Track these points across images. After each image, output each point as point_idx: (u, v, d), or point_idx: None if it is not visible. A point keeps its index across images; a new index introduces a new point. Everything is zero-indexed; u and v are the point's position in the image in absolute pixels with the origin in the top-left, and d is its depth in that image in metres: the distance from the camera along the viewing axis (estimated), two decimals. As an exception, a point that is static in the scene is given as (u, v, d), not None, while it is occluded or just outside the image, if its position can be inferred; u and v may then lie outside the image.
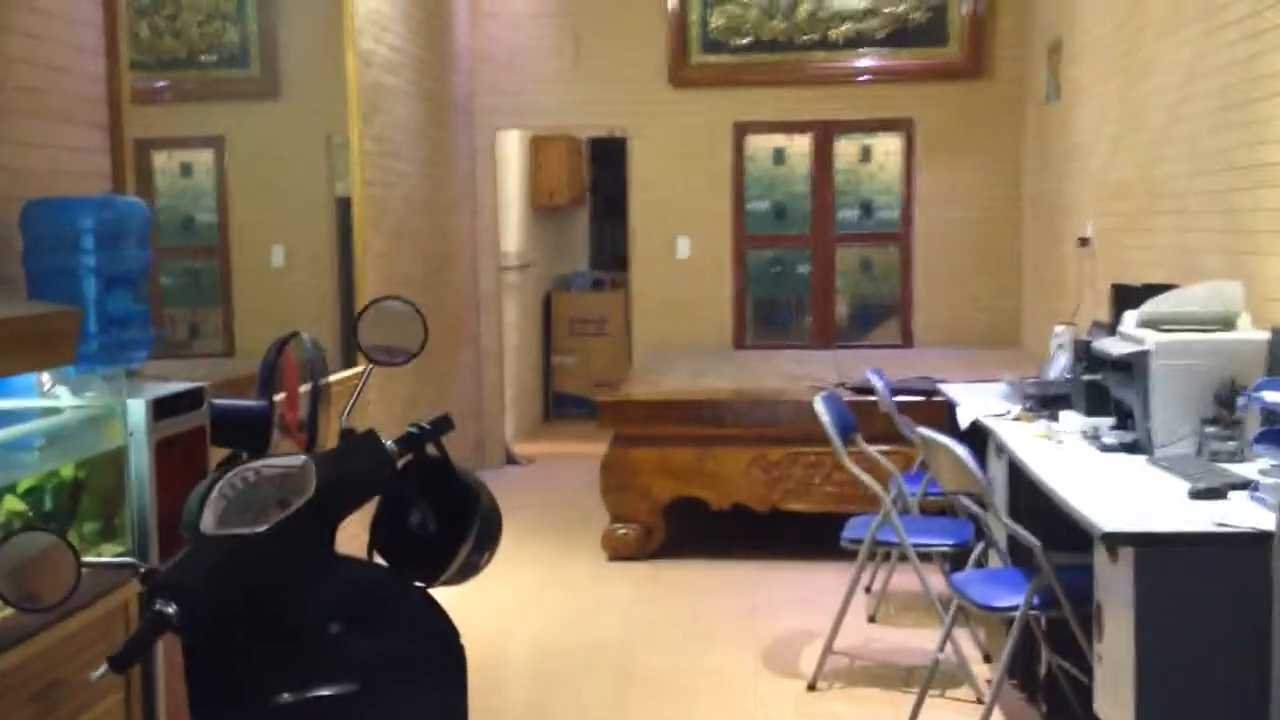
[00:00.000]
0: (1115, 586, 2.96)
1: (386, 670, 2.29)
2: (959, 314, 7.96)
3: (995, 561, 4.09)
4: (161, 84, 5.47)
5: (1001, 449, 4.22)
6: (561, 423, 9.99)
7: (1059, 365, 5.62)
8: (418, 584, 2.37)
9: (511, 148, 9.28)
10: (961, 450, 3.43)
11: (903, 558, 4.41)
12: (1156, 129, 5.07)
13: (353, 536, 2.31)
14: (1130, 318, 3.92)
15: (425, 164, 6.97)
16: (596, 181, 10.85)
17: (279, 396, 2.99)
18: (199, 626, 2.09)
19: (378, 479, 2.36)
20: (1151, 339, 3.61)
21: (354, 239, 5.86)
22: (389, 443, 2.38)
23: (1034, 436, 3.99)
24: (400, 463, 2.41)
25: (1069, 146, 6.58)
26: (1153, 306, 3.82)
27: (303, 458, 2.30)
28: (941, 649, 3.82)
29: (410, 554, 2.38)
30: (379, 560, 2.38)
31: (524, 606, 5.27)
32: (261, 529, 2.18)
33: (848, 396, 5.72)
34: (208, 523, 2.19)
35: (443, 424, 2.43)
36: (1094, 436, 3.83)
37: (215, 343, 5.83)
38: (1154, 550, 2.79)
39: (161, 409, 3.11)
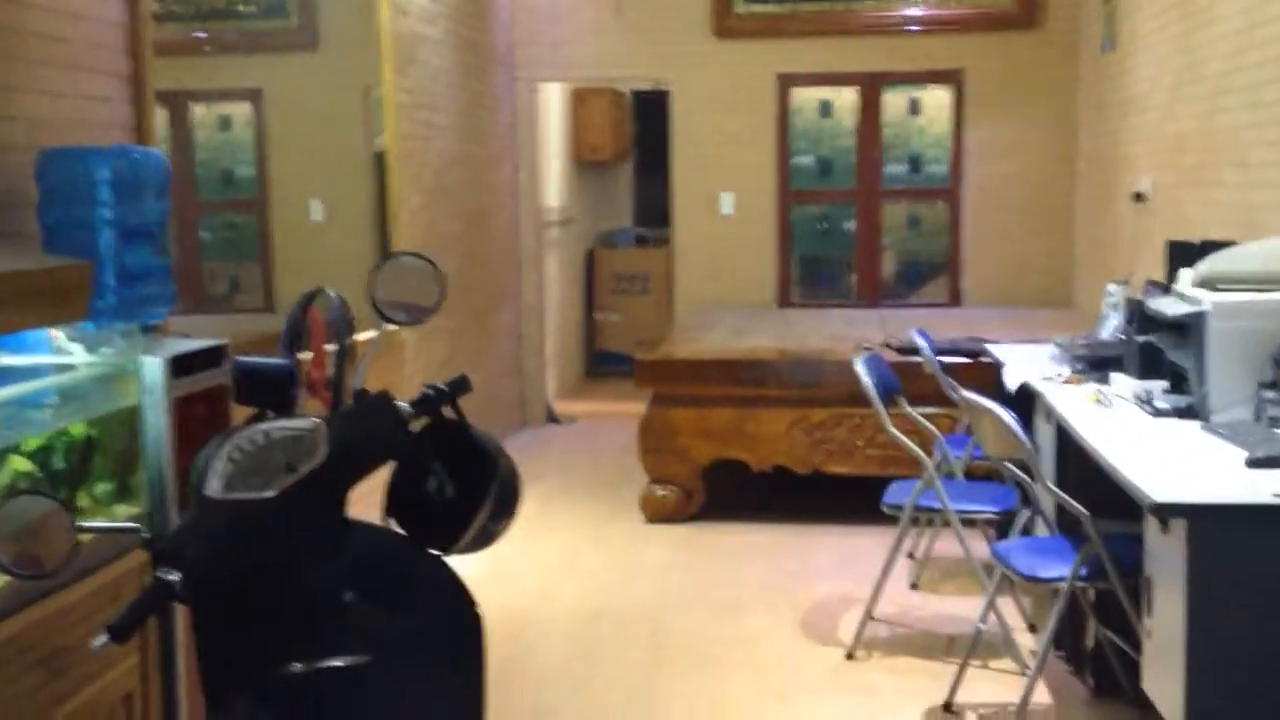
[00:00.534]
0: (1166, 559, 2.83)
1: (401, 641, 2.20)
2: (1010, 272, 7.76)
3: (1041, 530, 3.96)
4: (199, 35, 5.42)
5: (1050, 413, 4.08)
6: (604, 381, 9.90)
7: (1111, 325, 5.44)
8: (433, 552, 2.29)
9: (553, 100, 9.14)
10: (1007, 415, 3.29)
11: (946, 523, 4.28)
12: (1216, 78, 4.86)
13: (365, 498, 2.22)
14: (1186, 276, 3.75)
15: (463, 116, 6.86)
16: (640, 135, 10.69)
17: (305, 354, 2.90)
18: (204, 595, 2.02)
19: (392, 443, 2.27)
20: (1208, 299, 3.45)
21: (389, 194, 5.76)
22: (404, 405, 2.29)
23: (1084, 401, 3.83)
24: (416, 426, 2.32)
25: (1125, 98, 6.35)
26: (1209, 265, 3.66)
27: (314, 420, 2.22)
28: (984, 619, 3.70)
29: (426, 521, 2.29)
30: (394, 527, 2.30)
31: (561, 569, 5.19)
32: (269, 494, 2.10)
33: (892, 357, 5.59)
34: (213, 487, 2.11)
35: (460, 385, 2.33)
36: (1146, 401, 3.67)
37: (254, 298, 5.80)
38: (1207, 522, 2.66)
39: (179, 366, 3.04)
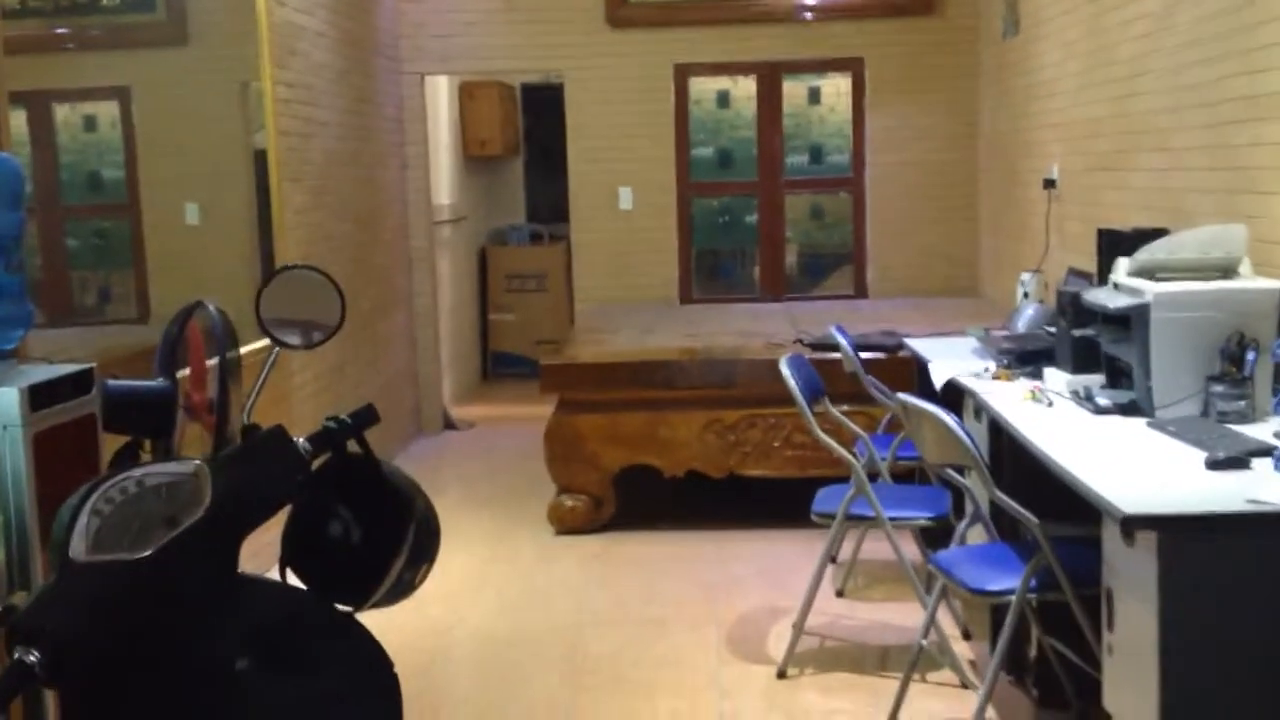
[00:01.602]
0: (1130, 571, 2.65)
1: (306, 714, 1.92)
2: (915, 262, 7.64)
3: (977, 535, 3.78)
4: (61, 31, 5.10)
5: (981, 411, 3.90)
6: (501, 383, 9.60)
7: (1028, 316, 5.32)
8: (342, 608, 2.00)
9: (441, 95, 8.80)
10: (951, 420, 3.10)
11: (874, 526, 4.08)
12: (1131, 61, 4.74)
13: (259, 553, 1.92)
14: (1122, 266, 3.59)
15: (347, 112, 6.50)
16: (531, 129, 10.39)
17: (184, 373, 2.59)
18: (70, 676, 1.71)
19: (289, 485, 1.97)
20: (1150, 290, 3.29)
21: (270, 195, 5.40)
22: (301, 441, 1.99)
23: (1020, 399, 3.66)
24: (316, 464, 2.03)
25: (1029, 84, 6.25)
26: (1147, 254, 3.50)
27: (195, 462, 1.91)
28: (925, 635, 3.50)
29: (332, 572, 2.00)
30: (294, 581, 2.00)
31: (467, 591, 4.89)
32: (143, 554, 1.80)
33: (807, 355, 5.40)
34: (77, 548, 1.80)
35: (366, 417, 2.04)
36: (1086, 397, 3.51)
37: (127, 308, 5.47)
38: (1179, 533, 2.48)
39: (40, 396, 2.69)
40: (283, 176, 5.49)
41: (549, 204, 9.95)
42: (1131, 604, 2.66)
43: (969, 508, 3.68)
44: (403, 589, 2.01)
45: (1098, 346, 3.64)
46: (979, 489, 3.43)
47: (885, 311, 6.90)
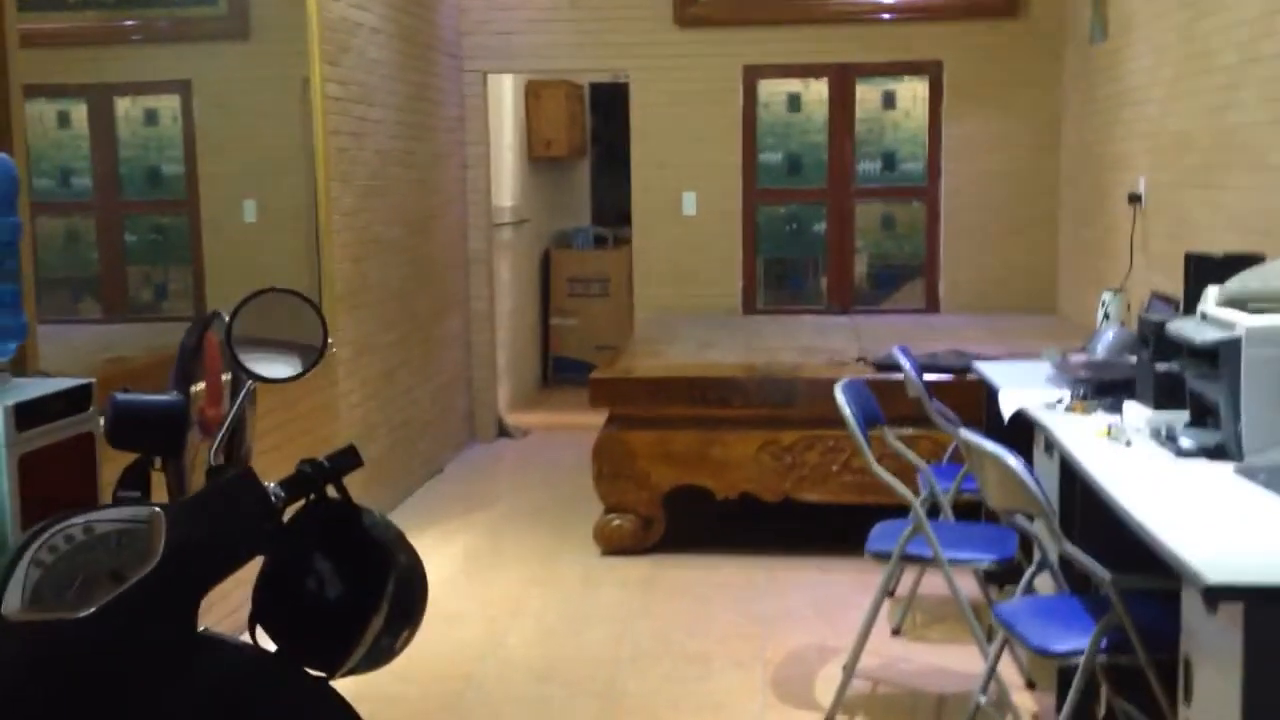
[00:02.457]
0: (1212, 642, 2.37)
1: (267, 791, 1.72)
2: (990, 277, 7.32)
3: (1044, 582, 3.49)
4: (122, 23, 5.05)
5: (1052, 447, 3.62)
6: (561, 389, 9.40)
7: (1107, 339, 5.00)
8: (313, 673, 1.79)
9: (506, 94, 8.62)
10: (1018, 464, 2.82)
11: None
12: (1228, 70, 4.41)
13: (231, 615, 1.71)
14: (1211, 295, 3.29)
15: (403, 110, 6.33)
16: (599, 130, 10.19)
17: (199, 387, 2.41)
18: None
19: (256, 536, 1.76)
20: (1241, 323, 2.99)
21: (318, 196, 5.24)
22: (272, 486, 1.79)
23: (1094, 435, 3.37)
24: (290, 512, 1.83)
25: (1117, 92, 5.91)
26: (1239, 283, 3.20)
27: (151, 509, 1.71)
28: (985, 690, 3.22)
29: (305, 632, 1.80)
30: (263, 641, 1.80)
31: (507, 613, 4.68)
32: (85, 612, 1.61)
33: (869, 375, 5.13)
34: (12, 603, 1.61)
35: (347, 459, 1.83)
36: (1169, 437, 3.21)
37: (183, 304, 5.40)
38: (1269, 606, 2.19)
39: (28, 414, 2.52)
40: (331, 177, 5.33)
41: (615, 206, 9.74)
42: (1212, 676, 2.38)
43: (1036, 553, 3.40)
44: (381, 654, 1.79)
45: (1182, 381, 3.35)
46: (1047, 536, 3.16)
47: (956, 328, 6.59)
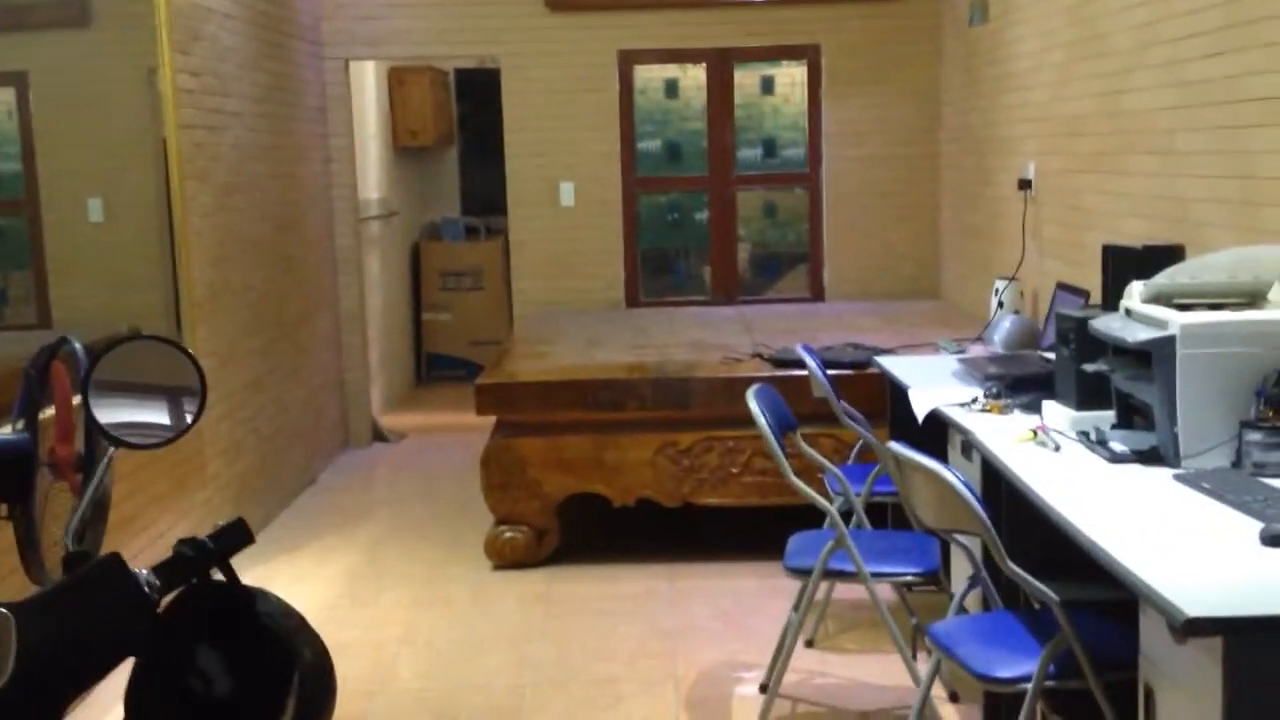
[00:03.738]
0: (1180, 671, 2.22)
1: None
2: (873, 264, 7.22)
3: (973, 598, 3.35)
4: None
5: (971, 449, 3.48)
6: (436, 386, 9.07)
7: (1005, 328, 4.93)
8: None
9: (368, 81, 8.23)
10: (959, 483, 2.64)
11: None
12: (1124, 54, 4.32)
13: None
14: (1136, 290, 3.17)
15: (262, 101, 5.94)
16: (466, 116, 9.84)
17: (48, 412, 2.12)
18: None
19: (128, 633, 1.47)
20: (1175, 321, 2.86)
21: (171, 194, 4.85)
22: (143, 573, 1.49)
23: (1019, 440, 3.22)
24: (166, 602, 1.53)
25: (1000, 75, 5.82)
26: (1168, 278, 3.08)
27: (-2, 611, 1.41)
28: (920, 717, 3.05)
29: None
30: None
31: (394, 641, 4.38)
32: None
33: (767, 372, 4.95)
34: None
35: (234, 536, 1.54)
36: (1099, 441, 3.08)
37: (26, 311, 5.02)
38: (1251, 639, 2.05)
39: None
40: (185, 174, 4.94)
41: (485, 196, 9.43)
42: (1183, 707, 2.23)
43: (962, 565, 3.24)
44: (287, 765, 1.51)
45: (1107, 381, 3.22)
46: (979, 550, 3.00)
47: (845, 316, 6.47)
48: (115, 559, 1.47)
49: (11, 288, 5.05)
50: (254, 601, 1.53)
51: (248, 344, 5.62)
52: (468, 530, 5.33)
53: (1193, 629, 2.04)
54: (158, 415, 1.68)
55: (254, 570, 5.09)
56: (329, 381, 7.02)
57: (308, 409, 6.55)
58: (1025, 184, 5.38)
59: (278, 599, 1.54)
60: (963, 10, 6.46)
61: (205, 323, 5.11)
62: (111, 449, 1.64)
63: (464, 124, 9.89)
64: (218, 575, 1.52)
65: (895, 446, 2.87)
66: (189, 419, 1.66)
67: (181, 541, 1.50)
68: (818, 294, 7.29)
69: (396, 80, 8.84)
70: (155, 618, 1.47)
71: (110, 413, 1.62)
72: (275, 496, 5.95)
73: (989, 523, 2.63)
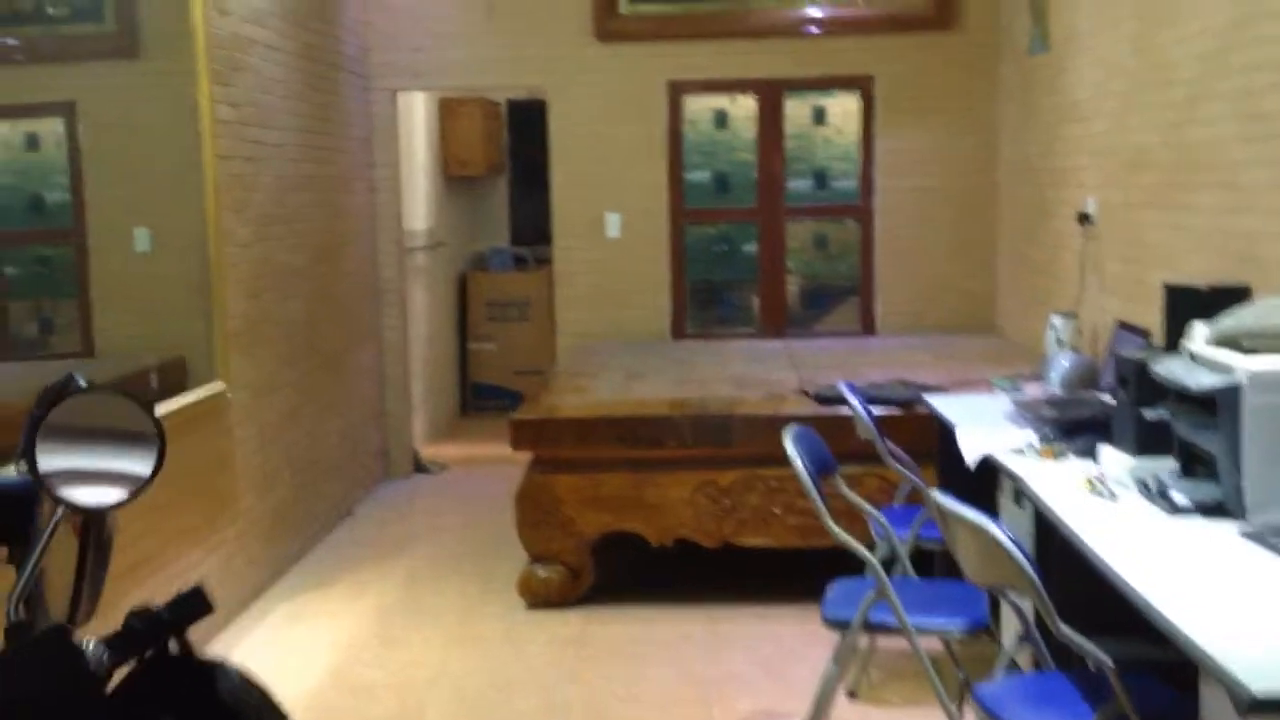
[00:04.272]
0: (1246, 750, 2.03)
1: None
2: (926, 296, 7.03)
3: (1024, 655, 3.16)
4: (4, 41, 4.67)
5: (1023, 496, 3.30)
6: (480, 417, 8.97)
7: (1062, 367, 4.72)
8: None
9: (418, 112, 8.19)
10: (1006, 540, 2.47)
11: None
12: (1190, 83, 4.13)
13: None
14: (1199, 332, 2.98)
15: (305, 132, 5.88)
16: (517, 146, 9.78)
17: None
18: None
19: (72, 712, 1.35)
20: (1243, 367, 2.68)
21: (208, 227, 4.79)
22: (91, 646, 1.37)
23: (1076, 488, 3.04)
24: (117, 676, 1.41)
25: (1060, 105, 5.64)
26: (1234, 321, 2.89)
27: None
28: (965, 783, 2.87)
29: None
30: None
31: (421, 683, 4.25)
32: None
33: (810, 409, 4.79)
34: None
35: (191, 605, 1.41)
36: (1159, 492, 2.89)
37: (71, 340, 4.99)
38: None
39: None
40: (223, 206, 4.88)
41: (534, 225, 9.34)
42: (1246, 791, 2.04)
43: (1013, 621, 3.06)
44: None
45: (1169, 427, 3.04)
46: (1030, 607, 2.82)
47: (896, 352, 6.29)
48: (58, 631, 1.35)
49: (57, 316, 5.03)
50: (213, 677, 1.40)
51: (285, 375, 5.55)
52: (504, 566, 5.21)
53: (1259, 708, 1.86)
54: (118, 467, 1.56)
55: (283, 606, 5.01)
56: (370, 412, 6.94)
57: (346, 440, 6.46)
58: (1085, 218, 5.19)
59: (239, 673, 1.41)
60: (1021, 39, 6.29)
61: (240, 354, 5.03)
62: (60, 509, 1.52)
63: (515, 154, 9.83)
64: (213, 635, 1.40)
65: (939, 496, 2.70)
66: (148, 472, 1.54)
67: (133, 614, 1.37)
68: (869, 328, 7.11)
69: (447, 110, 8.80)
70: (105, 695, 1.35)
71: (63, 463, 1.51)
72: (310, 529, 5.85)
73: (1039, 582, 2.45)
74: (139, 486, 1.52)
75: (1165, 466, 3.03)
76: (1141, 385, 3.12)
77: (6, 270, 4.84)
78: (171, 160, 5.00)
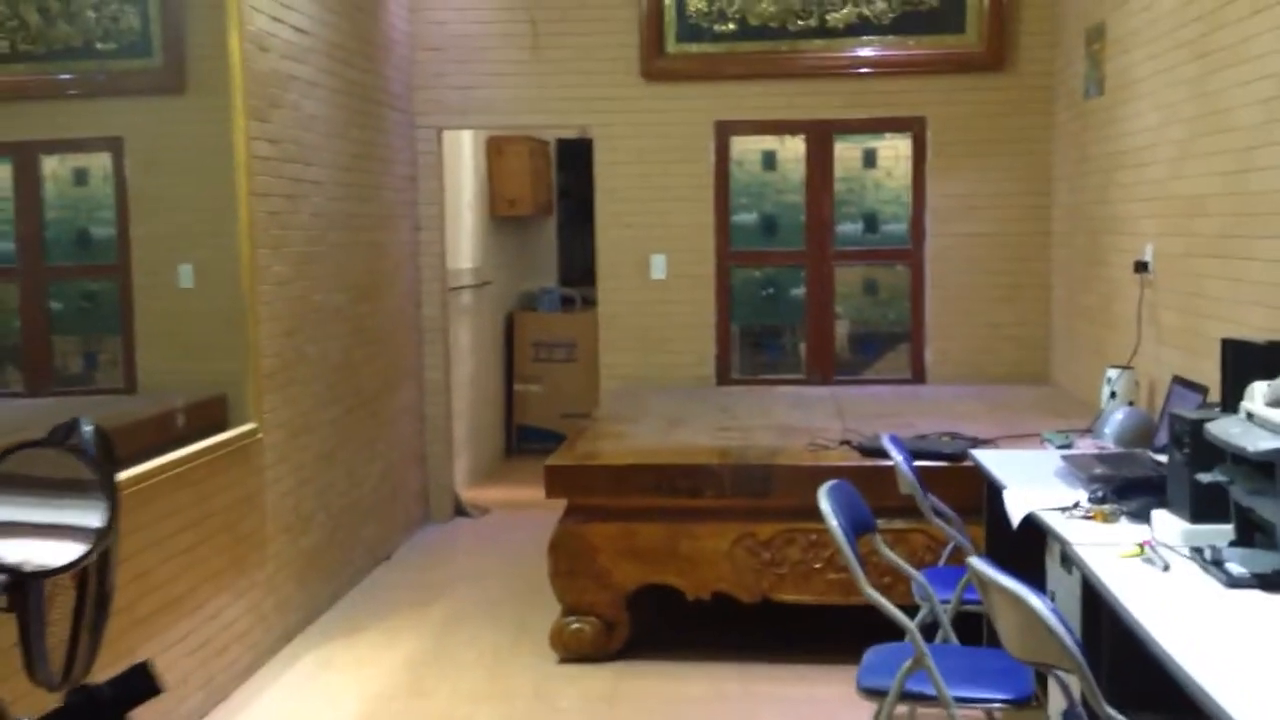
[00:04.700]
0: None
1: None
2: (978, 344, 6.86)
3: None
4: (54, 77, 4.69)
5: (1070, 561, 3.13)
6: (525, 459, 8.86)
7: (1116, 420, 4.54)
8: None
9: (465, 150, 8.16)
10: (1050, 615, 2.32)
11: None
12: (1251, 129, 3.97)
13: None
14: (1259, 391, 2.83)
15: (346, 170, 5.84)
16: (567, 185, 9.74)
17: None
18: None
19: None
20: (1304, 430, 2.52)
21: (241, 265, 4.74)
22: (27, 729, 1.27)
23: (1124, 555, 2.88)
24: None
25: (1116, 150, 5.48)
26: (1296, 379, 2.73)
27: None
28: None
29: None
30: None
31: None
32: None
33: (854, 461, 4.65)
34: None
35: (135, 685, 1.31)
36: (1214, 561, 2.72)
37: (114, 376, 4.97)
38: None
39: None
40: (258, 244, 4.84)
41: (584, 265, 9.26)
42: None
43: (1059, 693, 2.90)
44: None
45: (1225, 490, 2.87)
46: (1075, 683, 2.65)
47: (945, 401, 6.12)
48: (-1, 707, 1.25)
49: (101, 352, 5.02)
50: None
51: (321, 415, 5.48)
52: (538, 616, 5.09)
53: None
54: (75, 520, 1.47)
55: (313, 653, 4.92)
56: (410, 454, 6.86)
57: (385, 482, 6.39)
58: (1142, 266, 5.02)
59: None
60: (1076, 82, 6.14)
61: (275, 393, 4.97)
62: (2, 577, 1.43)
63: (564, 193, 9.79)
64: None
65: (977, 564, 2.55)
66: (86, 544, 1.44)
67: (74, 691, 1.27)
68: (918, 375, 6.94)
69: (495, 149, 8.77)
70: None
71: (15, 516, 1.42)
72: (345, 573, 5.77)
73: (1084, 664, 2.30)
74: (83, 554, 1.43)
75: (1222, 533, 2.86)
76: (1197, 446, 2.95)
77: (52, 305, 4.83)
78: (215, 196, 4.98)
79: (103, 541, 1.46)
